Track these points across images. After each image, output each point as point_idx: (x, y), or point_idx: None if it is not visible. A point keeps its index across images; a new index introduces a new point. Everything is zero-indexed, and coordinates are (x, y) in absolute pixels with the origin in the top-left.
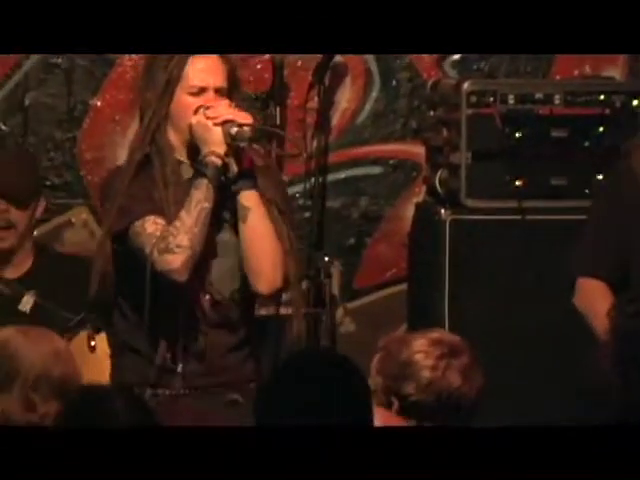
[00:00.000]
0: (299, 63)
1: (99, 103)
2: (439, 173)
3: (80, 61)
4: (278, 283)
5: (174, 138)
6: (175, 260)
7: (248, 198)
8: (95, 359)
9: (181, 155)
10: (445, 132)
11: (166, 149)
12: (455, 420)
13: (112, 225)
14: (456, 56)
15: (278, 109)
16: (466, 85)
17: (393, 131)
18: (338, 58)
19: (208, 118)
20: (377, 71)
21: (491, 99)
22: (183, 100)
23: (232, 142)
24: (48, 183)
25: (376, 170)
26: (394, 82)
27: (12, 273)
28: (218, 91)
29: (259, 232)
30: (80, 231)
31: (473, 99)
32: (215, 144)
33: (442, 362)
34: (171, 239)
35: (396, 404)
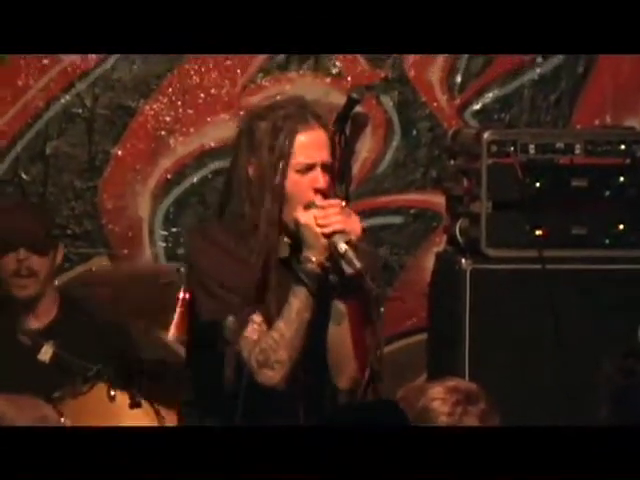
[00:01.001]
0: (317, 112)
1: (120, 152)
2: (459, 222)
3: (101, 110)
4: (358, 381)
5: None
6: (275, 376)
7: (344, 304)
8: (115, 409)
9: (283, 247)
10: (465, 182)
11: (271, 240)
12: None
13: (205, 313)
14: (477, 106)
15: None
16: (487, 135)
17: (413, 180)
18: (359, 108)
19: (318, 225)
20: (398, 121)
21: (511, 149)
22: (291, 178)
23: (337, 257)
24: (69, 232)
25: (397, 220)
26: (414, 132)
27: (36, 323)
28: (325, 167)
29: (350, 337)
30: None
31: (494, 148)
32: (319, 252)
33: (459, 408)
34: (271, 354)
35: None
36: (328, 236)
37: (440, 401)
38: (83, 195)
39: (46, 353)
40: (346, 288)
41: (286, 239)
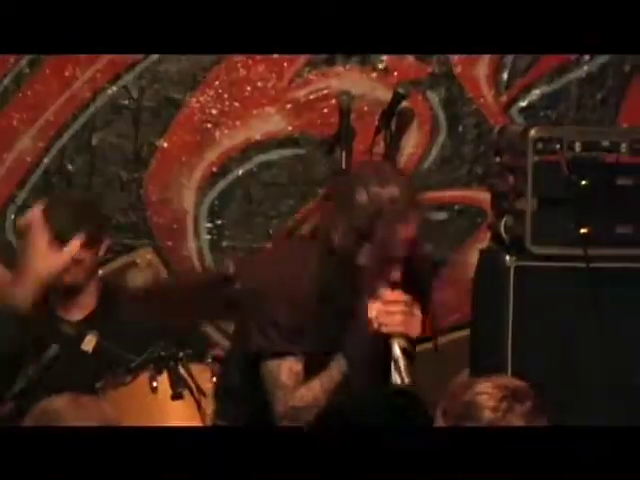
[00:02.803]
0: (365, 108)
1: (165, 144)
2: (504, 219)
3: (147, 102)
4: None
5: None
6: (296, 421)
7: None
8: (157, 400)
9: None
10: (511, 179)
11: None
12: None
13: (250, 345)
14: (523, 103)
15: (344, 153)
16: (533, 132)
17: (459, 177)
18: (405, 104)
19: (379, 323)
20: (444, 117)
21: (557, 146)
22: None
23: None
24: (113, 223)
25: (441, 216)
26: (460, 128)
27: (77, 314)
28: (403, 261)
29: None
30: (144, 272)
31: (540, 146)
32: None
33: (504, 404)
34: (300, 413)
35: None
36: (387, 335)
37: (486, 395)
38: (128, 186)
39: (89, 343)
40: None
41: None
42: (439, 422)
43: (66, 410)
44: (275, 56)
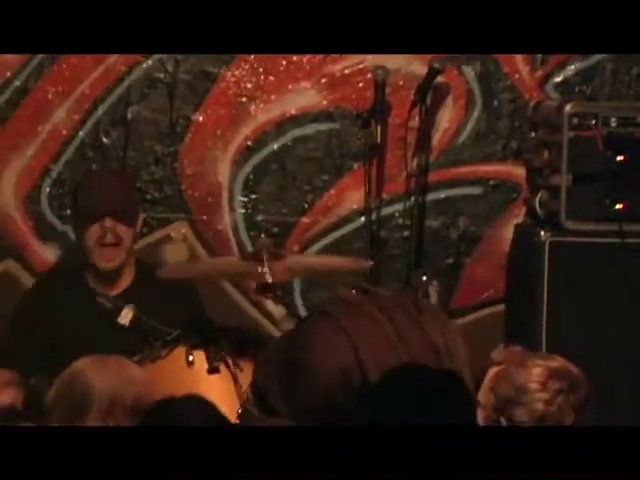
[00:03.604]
0: (401, 82)
1: (201, 118)
2: (539, 195)
3: (183, 76)
4: None
5: None
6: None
7: None
8: (193, 374)
9: None
10: (546, 154)
11: None
12: None
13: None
14: (558, 78)
15: (379, 127)
16: (568, 107)
17: (494, 152)
18: (440, 78)
19: None
20: (479, 92)
21: (593, 122)
22: None
23: None
24: (148, 197)
25: (476, 190)
26: (496, 102)
27: (114, 288)
28: None
29: None
30: (179, 246)
31: (575, 121)
32: None
33: (559, 398)
34: None
35: (504, 423)
36: None
37: (541, 385)
38: (163, 160)
39: (126, 316)
40: None
41: None
42: (486, 396)
43: (91, 370)
44: None
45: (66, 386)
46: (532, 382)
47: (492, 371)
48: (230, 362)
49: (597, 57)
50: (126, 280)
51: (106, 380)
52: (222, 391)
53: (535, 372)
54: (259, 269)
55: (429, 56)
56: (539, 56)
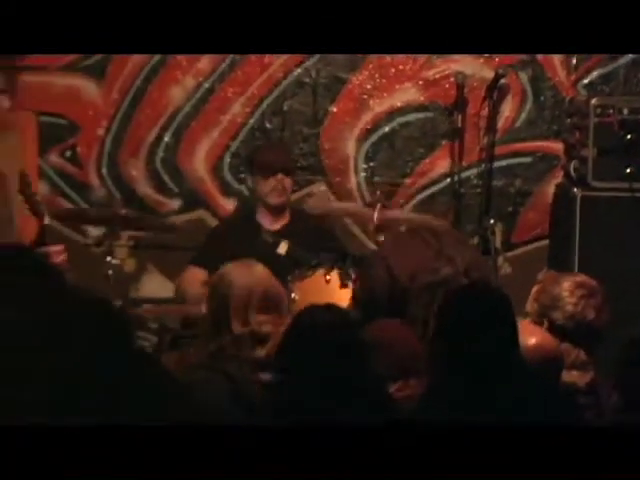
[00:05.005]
0: (475, 84)
1: (335, 109)
2: (573, 163)
3: (322, 80)
4: None
5: None
6: None
7: None
8: (329, 288)
9: None
10: (577, 134)
11: None
12: (584, 340)
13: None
14: (586, 80)
15: (460, 116)
16: (594, 101)
17: (540, 132)
18: (503, 80)
19: None
20: (530, 90)
21: (611, 111)
22: None
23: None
24: (298, 165)
25: (528, 159)
26: (542, 98)
27: (275, 225)
28: None
29: None
30: (319, 198)
31: (598, 111)
32: None
33: (582, 301)
34: None
35: (546, 324)
36: None
37: (569, 292)
38: (309, 139)
39: (283, 248)
40: None
41: None
42: (531, 305)
43: (233, 271)
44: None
45: (216, 283)
46: (563, 291)
47: (535, 288)
48: (353, 278)
49: (615, 64)
50: (284, 220)
51: (243, 278)
52: (349, 300)
53: (565, 285)
54: (374, 215)
55: (496, 63)
56: (573, 63)
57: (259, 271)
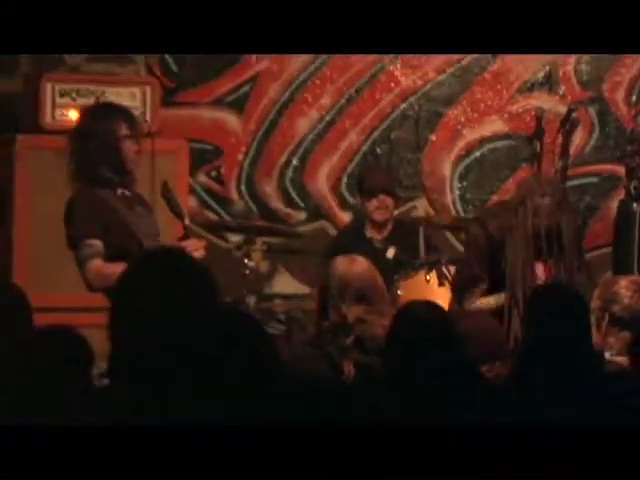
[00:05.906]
0: (551, 117)
1: (434, 138)
2: (633, 182)
3: (424, 113)
4: None
5: None
6: None
7: None
8: (429, 286)
9: None
10: (637, 159)
11: None
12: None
13: None
14: None
15: (538, 144)
16: None
17: (606, 157)
18: (574, 115)
19: None
20: (597, 122)
21: None
22: None
23: None
24: (403, 184)
25: (595, 180)
26: (607, 128)
27: (381, 234)
28: None
29: None
30: (419, 210)
31: None
32: None
33: (636, 295)
34: None
35: (607, 317)
36: None
37: (625, 289)
38: (412, 163)
39: (390, 253)
40: None
41: None
42: (595, 302)
43: (339, 265)
44: (498, 87)
45: (323, 274)
46: (621, 288)
47: (599, 288)
48: (449, 277)
49: None
50: (387, 230)
51: (347, 272)
52: (447, 299)
53: (622, 283)
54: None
55: (569, 100)
56: (633, 98)
57: (360, 264)
